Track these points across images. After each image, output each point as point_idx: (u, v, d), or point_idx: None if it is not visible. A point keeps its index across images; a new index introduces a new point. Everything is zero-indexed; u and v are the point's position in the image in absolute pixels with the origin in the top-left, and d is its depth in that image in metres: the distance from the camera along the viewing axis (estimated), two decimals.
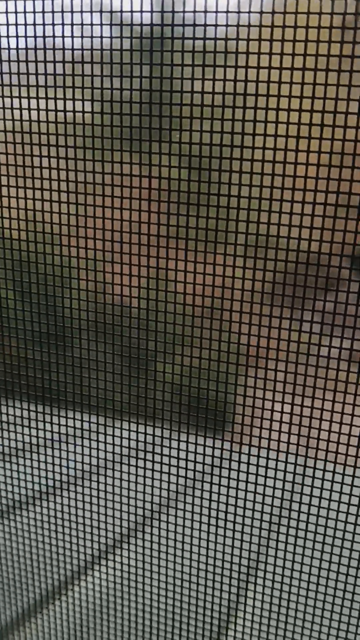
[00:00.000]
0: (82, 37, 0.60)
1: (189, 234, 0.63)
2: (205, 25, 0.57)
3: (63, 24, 0.60)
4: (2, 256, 0.69)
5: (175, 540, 0.75)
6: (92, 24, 0.59)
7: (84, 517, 0.79)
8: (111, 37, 0.60)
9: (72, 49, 0.61)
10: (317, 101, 0.56)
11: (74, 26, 0.60)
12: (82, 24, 0.60)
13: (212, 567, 0.74)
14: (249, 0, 0.55)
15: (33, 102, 0.62)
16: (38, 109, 0.62)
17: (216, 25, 0.56)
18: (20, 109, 0.63)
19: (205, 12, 0.56)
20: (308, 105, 0.56)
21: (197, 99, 0.59)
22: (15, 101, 0.63)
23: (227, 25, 0.56)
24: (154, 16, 0.59)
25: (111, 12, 0.59)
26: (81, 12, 0.60)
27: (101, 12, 0.59)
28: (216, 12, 0.56)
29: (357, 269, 0.62)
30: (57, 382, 0.73)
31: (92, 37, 0.60)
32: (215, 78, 0.57)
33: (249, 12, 0.55)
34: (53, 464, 0.78)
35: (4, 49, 0.62)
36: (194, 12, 0.57)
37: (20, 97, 0.62)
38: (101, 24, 0.59)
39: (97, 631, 0.86)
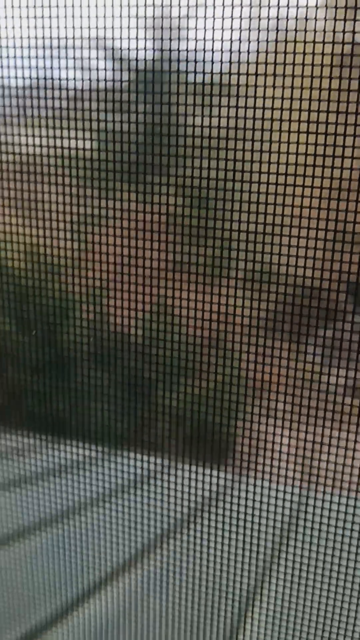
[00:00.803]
0: (81, 70, 0.61)
1: (191, 264, 0.64)
2: (203, 60, 0.57)
3: (66, 58, 0.61)
4: (6, 288, 0.70)
5: (174, 571, 0.74)
6: (89, 58, 0.60)
7: (82, 547, 0.79)
8: (113, 74, 0.61)
9: (75, 86, 0.61)
10: (315, 134, 0.57)
11: (75, 61, 0.61)
12: (82, 58, 0.60)
13: (212, 597, 0.73)
14: (247, 34, 0.56)
15: (35, 138, 0.63)
16: (40, 145, 0.63)
17: (212, 61, 0.57)
18: (20, 144, 0.64)
19: (204, 50, 0.56)
20: (308, 138, 0.57)
21: (197, 132, 0.60)
22: (16, 137, 0.64)
23: (222, 62, 0.57)
24: (152, 50, 0.60)
25: (112, 49, 0.60)
26: (81, 47, 0.60)
27: (101, 48, 0.60)
28: (211, 50, 0.57)
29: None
30: (57, 412, 0.73)
31: (89, 69, 0.61)
32: (212, 114, 0.58)
33: (248, 50, 0.56)
34: (55, 494, 0.78)
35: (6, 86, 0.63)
36: (195, 50, 0.57)
37: (19, 134, 0.63)
38: (98, 58, 0.60)
39: None
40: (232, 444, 0.68)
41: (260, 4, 0.54)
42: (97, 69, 0.60)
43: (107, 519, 0.76)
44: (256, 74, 0.57)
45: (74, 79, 0.61)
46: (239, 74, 0.57)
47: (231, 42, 0.56)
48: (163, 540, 0.75)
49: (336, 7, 0.53)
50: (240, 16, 0.54)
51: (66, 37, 0.61)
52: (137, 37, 0.59)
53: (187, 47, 0.58)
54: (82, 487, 0.76)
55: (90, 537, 0.78)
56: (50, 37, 0.61)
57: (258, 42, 0.56)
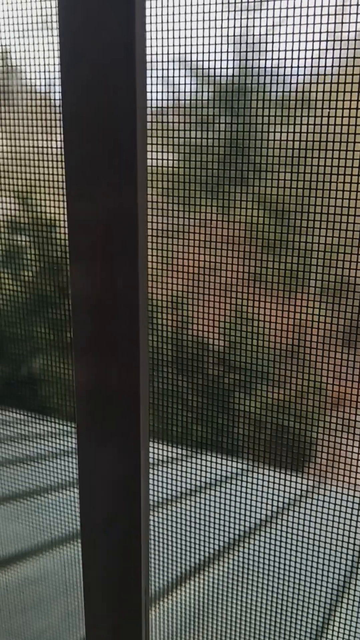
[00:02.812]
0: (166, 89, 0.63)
1: (272, 275, 0.64)
2: (284, 74, 0.58)
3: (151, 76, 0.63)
4: None
5: (251, 573, 0.76)
6: (171, 76, 0.62)
7: (163, 540, 0.82)
8: (196, 87, 0.62)
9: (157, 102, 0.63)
10: None
11: (157, 78, 0.62)
12: (164, 76, 0.62)
13: (291, 603, 0.74)
14: (325, 49, 0.56)
15: None
16: None
17: (294, 75, 0.57)
18: None
19: (284, 65, 0.56)
20: None
21: (277, 145, 0.60)
22: None
23: (305, 74, 0.57)
24: (234, 65, 0.61)
25: (196, 64, 0.61)
26: (162, 62, 0.62)
27: (183, 64, 0.61)
28: (297, 59, 0.57)
29: None
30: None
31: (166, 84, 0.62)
32: (294, 128, 0.58)
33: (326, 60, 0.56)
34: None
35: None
36: (277, 62, 0.58)
37: None
38: (174, 74, 0.61)
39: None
40: (311, 452, 0.69)
41: (342, 18, 0.54)
42: (179, 84, 0.62)
43: (188, 516, 0.79)
44: (337, 86, 0.56)
45: (156, 92, 0.63)
46: (323, 83, 0.57)
47: (312, 56, 0.56)
48: (240, 540, 0.76)
49: None
50: (320, 30, 0.54)
51: (150, 54, 0.62)
52: (219, 52, 0.60)
53: (268, 61, 0.58)
54: (164, 485, 0.79)
55: (170, 532, 0.81)
56: None
57: (340, 57, 0.55)
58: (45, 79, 0.71)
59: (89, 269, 0.46)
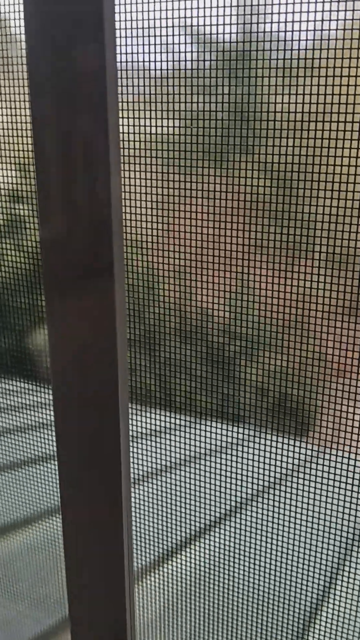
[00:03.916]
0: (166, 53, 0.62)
1: (275, 243, 0.64)
2: (284, 40, 0.57)
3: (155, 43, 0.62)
4: None
5: (254, 537, 0.77)
6: (172, 43, 0.61)
7: (166, 505, 0.83)
8: (198, 55, 0.61)
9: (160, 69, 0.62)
10: None
11: (159, 45, 0.61)
12: (167, 43, 0.61)
13: (291, 570, 0.76)
14: (329, 11, 0.55)
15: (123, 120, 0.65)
16: (127, 126, 0.65)
17: (298, 40, 0.56)
18: None
19: (285, 29, 0.55)
20: None
21: (279, 112, 0.60)
22: None
23: (307, 40, 0.56)
24: (236, 30, 0.60)
25: (198, 30, 0.60)
26: (167, 33, 0.61)
27: (186, 30, 0.60)
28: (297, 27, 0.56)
29: None
30: (146, 384, 0.76)
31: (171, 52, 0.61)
32: (297, 93, 0.57)
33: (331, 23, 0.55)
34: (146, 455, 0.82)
35: None
36: (277, 28, 0.57)
37: None
38: (183, 42, 0.60)
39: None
40: (313, 419, 0.70)
41: None
42: (181, 52, 0.61)
43: (191, 482, 0.80)
44: (343, 52, 0.55)
45: (158, 61, 0.62)
46: (328, 49, 0.56)
47: (315, 20, 0.55)
48: (242, 507, 0.78)
49: None
50: None
51: (149, 19, 0.61)
52: (221, 16, 0.59)
53: (269, 27, 0.57)
54: (168, 451, 0.80)
55: (173, 498, 0.82)
56: (136, 20, 0.62)
57: (345, 19, 0.54)
58: None
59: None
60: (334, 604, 0.74)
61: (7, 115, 0.77)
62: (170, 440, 0.79)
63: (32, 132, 0.43)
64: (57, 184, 0.43)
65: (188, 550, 0.87)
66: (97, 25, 0.38)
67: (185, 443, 0.78)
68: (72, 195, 0.43)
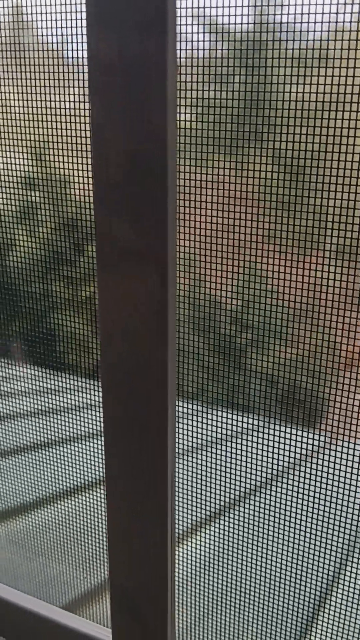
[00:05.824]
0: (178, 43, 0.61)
1: (287, 235, 0.64)
2: (300, 31, 0.56)
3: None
4: None
5: (263, 526, 0.78)
6: (186, 32, 0.60)
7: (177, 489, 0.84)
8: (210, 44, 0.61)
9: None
10: None
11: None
12: (180, 32, 0.61)
13: (299, 560, 0.77)
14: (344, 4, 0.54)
15: None
16: None
17: (313, 31, 0.56)
18: None
19: (301, 20, 0.55)
20: None
21: (294, 102, 0.60)
22: None
23: (322, 30, 0.55)
24: (252, 20, 0.59)
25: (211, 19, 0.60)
26: (180, 17, 0.61)
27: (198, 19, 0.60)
28: (312, 16, 0.55)
29: None
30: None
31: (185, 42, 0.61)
32: (312, 82, 0.57)
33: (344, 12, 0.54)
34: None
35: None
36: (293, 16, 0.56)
37: None
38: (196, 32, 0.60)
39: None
40: (323, 409, 0.70)
41: None
42: (193, 41, 0.61)
43: (200, 470, 0.81)
44: (357, 42, 0.55)
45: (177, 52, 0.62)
46: (341, 40, 0.56)
47: (329, 11, 0.54)
48: (252, 495, 0.78)
49: None
50: None
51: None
52: (234, 6, 0.59)
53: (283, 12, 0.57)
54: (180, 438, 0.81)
55: (183, 484, 0.83)
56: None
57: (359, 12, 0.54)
58: (59, 35, 0.70)
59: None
60: (343, 590, 0.75)
61: (26, 100, 0.77)
62: (188, 426, 0.80)
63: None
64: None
65: (197, 537, 0.88)
66: None
67: (195, 431, 0.79)
68: None
